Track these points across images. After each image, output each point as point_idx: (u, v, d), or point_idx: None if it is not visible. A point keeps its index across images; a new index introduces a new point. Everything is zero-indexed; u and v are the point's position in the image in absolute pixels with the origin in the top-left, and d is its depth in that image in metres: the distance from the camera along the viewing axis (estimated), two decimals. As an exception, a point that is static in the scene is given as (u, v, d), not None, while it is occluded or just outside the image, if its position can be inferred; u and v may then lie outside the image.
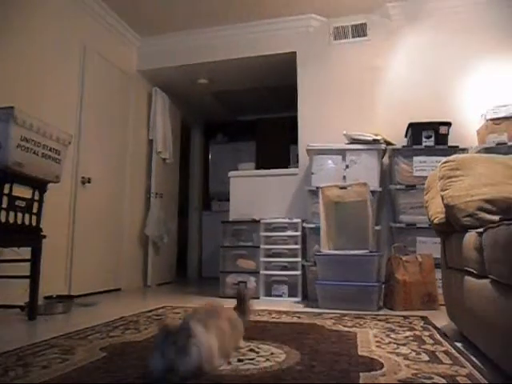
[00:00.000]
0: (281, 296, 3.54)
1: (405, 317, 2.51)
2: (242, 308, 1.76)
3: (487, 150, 3.13)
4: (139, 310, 2.74)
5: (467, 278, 1.68)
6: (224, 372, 1.39)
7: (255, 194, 4.09)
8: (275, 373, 1.38)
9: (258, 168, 4.70)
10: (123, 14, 4.16)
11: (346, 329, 2.15)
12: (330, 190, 3.35)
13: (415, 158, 3.45)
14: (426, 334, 2.01)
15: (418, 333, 2.03)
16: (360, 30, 4.09)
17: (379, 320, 2.41)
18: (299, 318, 2.52)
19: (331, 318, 2.46)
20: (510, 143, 3.20)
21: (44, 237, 2.64)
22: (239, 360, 1.53)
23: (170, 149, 5.08)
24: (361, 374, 1.36)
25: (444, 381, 1.29)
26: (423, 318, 2.47)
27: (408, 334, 2.02)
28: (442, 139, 3.44)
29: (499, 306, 1.30)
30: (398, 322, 2.33)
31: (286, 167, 4.45)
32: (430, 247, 3.19)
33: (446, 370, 1.40)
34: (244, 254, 3.73)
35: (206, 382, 1.30)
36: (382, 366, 1.46)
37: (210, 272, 5.57)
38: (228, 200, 4.21)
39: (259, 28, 4.31)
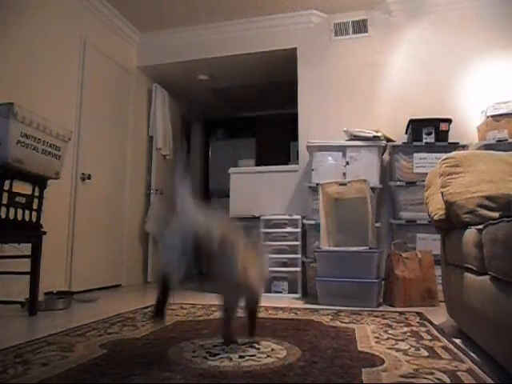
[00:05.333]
0: (281, 292, 3.54)
1: (400, 313, 2.52)
2: None
3: (487, 147, 3.12)
4: (136, 306, 2.75)
5: (467, 274, 1.68)
6: (226, 368, 1.39)
7: (255, 190, 4.09)
8: (278, 369, 1.39)
9: (258, 164, 4.70)
10: (123, 9, 4.14)
11: (344, 325, 2.16)
12: (330, 186, 3.34)
13: (415, 155, 3.45)
14: (423, 329, 2.02)
15: (415, 329, 2.04)
16: (361, 26, 4.07)
17: (375, 316, 2.42)
18: (296, 314, 2.52)
19: (328, 314, 2.46)
20: (510, 140, 3.20)
21: (44, 233, 2.64)
22: (240, 356, 1.53)
23: (170, 145, 5.07)
24: (363, 369, 1.37)
25: (445, 376, 1.30)
26: (418, 313, 2.48)
27: (405, 329, 2.03)
28: (442, 136, 3.43)
29: (498, 302, 1.30)
30: (394, 318, 2.34)
31: (286, 164, 4.45)
32: (429, 244, 3.19)
33: (446, 366, 1.40)
34: (244, 251, 3.72)
35: (209, 377, 1.30)
36: (382, 361, 1.46)
37: (210, 268, 5.56)
38: (228, 196, 4.20)
39: (259, 24, 4.29)
